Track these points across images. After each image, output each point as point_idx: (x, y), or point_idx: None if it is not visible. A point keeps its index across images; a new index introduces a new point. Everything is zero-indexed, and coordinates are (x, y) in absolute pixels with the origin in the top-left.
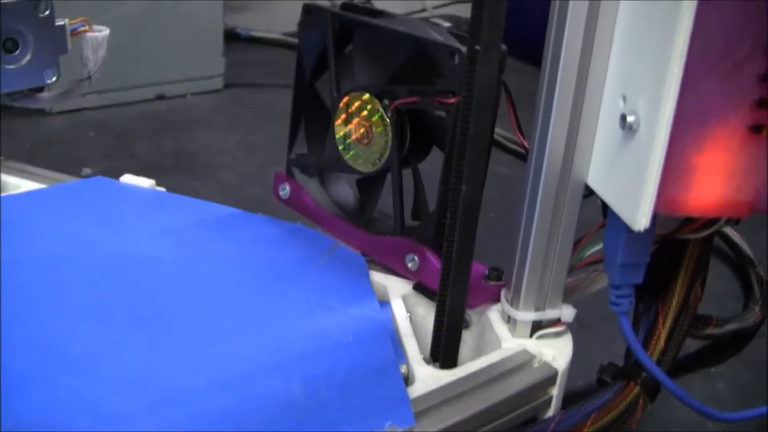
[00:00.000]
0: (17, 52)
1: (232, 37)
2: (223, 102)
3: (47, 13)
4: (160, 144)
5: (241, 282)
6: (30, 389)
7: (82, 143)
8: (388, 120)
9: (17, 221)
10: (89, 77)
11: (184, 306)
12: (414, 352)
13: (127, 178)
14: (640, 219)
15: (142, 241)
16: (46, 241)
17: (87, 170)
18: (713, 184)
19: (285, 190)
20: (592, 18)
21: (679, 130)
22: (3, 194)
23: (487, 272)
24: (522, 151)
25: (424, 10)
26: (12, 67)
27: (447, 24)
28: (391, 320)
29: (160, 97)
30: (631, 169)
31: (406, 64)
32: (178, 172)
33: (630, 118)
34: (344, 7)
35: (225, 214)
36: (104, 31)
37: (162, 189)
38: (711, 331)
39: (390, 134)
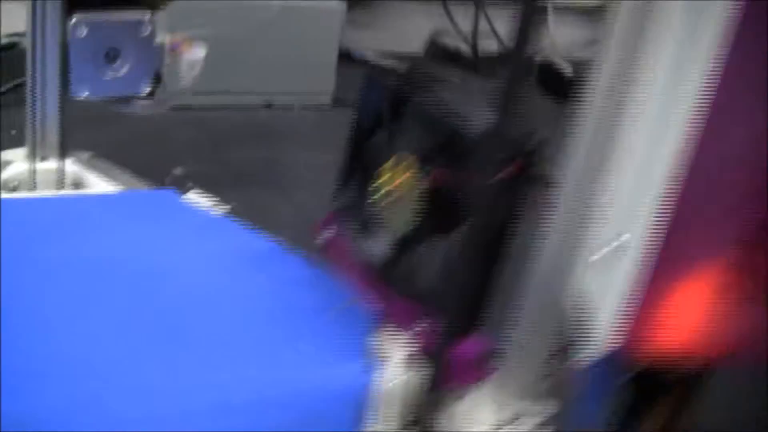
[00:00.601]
0: (117, 63)
1: (345, 56)
2: (327, 119)
3: (148, 32)
4: (254, 154)
5: (259, 317)
6: (43, 388)
7: (180, 142)
8: (425, 187)
9: (71, 223)
10: (182, 91)
11: (201, 328)
12: (393, 417)
13: (192, 196)
14: None
15: (180, 261)
16: (93, 246)
17: (178, 170)
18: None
19: (325, 236)
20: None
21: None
22: (75, 192)
23: (486, 350)
24: None
25: None
26: (111, 76)
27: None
28: (381, 381)
29: (268, 106)
30: None
31: (446, 139)
32: (261, 186)
33: None
34: (411, 67)
35: (265, 248)
36: (200, 53)
37: (225, 207)
38: None
39: (424, 201)
